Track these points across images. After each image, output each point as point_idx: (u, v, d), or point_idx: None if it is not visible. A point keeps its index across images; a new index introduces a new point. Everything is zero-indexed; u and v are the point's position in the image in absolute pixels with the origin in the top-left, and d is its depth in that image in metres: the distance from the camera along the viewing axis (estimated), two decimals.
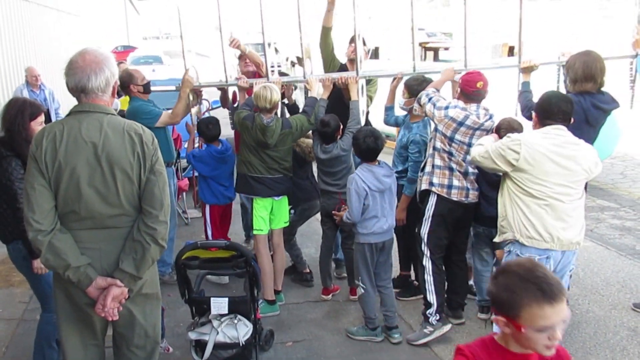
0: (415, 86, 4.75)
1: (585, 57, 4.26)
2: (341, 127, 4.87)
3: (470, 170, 4.34)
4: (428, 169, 4.42)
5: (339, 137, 4.84)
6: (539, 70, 4.63)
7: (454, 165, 4.32)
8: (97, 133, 2.59)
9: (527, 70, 4.60)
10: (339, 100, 5.12)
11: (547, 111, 3.63)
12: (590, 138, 4.21)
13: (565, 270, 3.64)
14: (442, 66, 4.94)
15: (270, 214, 4.90)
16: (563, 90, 4.48)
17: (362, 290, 4.43)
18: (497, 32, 14.32)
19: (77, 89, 2.63)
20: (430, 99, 4.35)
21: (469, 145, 4.22)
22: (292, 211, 5.29)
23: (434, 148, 4.38)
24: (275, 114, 4.75)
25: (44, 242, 2.56)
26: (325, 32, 5.40)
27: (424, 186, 4.44)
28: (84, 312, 2.74)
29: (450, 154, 4.30)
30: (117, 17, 31.39)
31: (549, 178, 3.48)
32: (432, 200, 4.39)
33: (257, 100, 4.63)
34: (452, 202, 4.35)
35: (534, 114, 3.75)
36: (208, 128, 5.33)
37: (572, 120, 3.78)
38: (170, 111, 5.22)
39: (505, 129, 4.27)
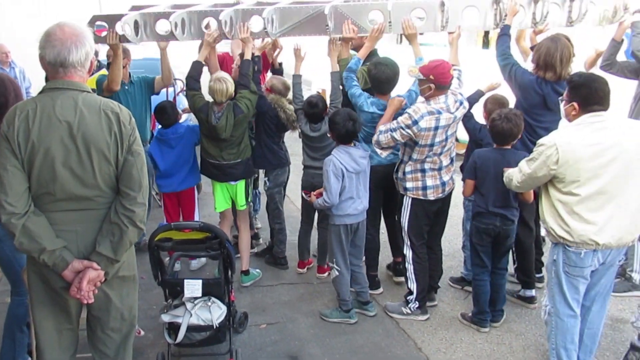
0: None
1: (549, 43, 4.24)
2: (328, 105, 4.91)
3: (445, 163, 4.32)
4: (400, 175, 4.38)
5: (325, 114, 4.87)
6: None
7: (427, 166, 4.26)
8: (72, 112, 2.51)
9: (511, 12, 4.45)
10: None
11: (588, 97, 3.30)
12: (552, 121, 4.31)
13: (614, 261, 3.47)
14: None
15: (231, 195, 5.05)
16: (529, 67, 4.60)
17: (337, 273, 4.43)
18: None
19: (57, 63, 2.52)
20: (391, 130, 4.13)
21: (447, 138, 4.21)
22: (266, 178, 5.29)
23: (410, 158, 4.26)
24: (228, 102, 4.69)
25: (18, 226, 2.48)
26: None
27: (400, 190, 4.42)
28: (59, 296, 2.69)
29: (428, 156, 4.22)
30: None
31: (596, 174, 3.21)
32: (407, 200, 4.37)
33: (214, 95, 4.62)
34: (430, 201, 4.35)
35: (575, 103, 3.33)
36: (159, 116, 5.12)
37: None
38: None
39: (492, 103, 4.53)
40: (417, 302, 4.49)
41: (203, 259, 5.37)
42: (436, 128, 4.08)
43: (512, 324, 4.44)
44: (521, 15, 4.48)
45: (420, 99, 4.27)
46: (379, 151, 4.32)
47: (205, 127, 4.76)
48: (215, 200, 5.06)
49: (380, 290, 4.96)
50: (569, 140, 3.24)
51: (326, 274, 5.16)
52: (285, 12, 4.55)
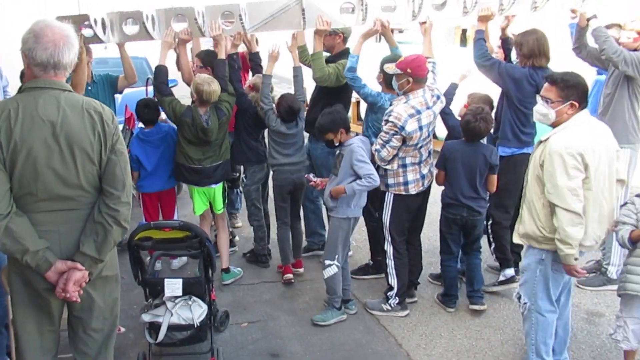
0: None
1: (535, 34, 4.54)
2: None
3: (425, 156, 4.40)
4: (381, 172, 4.38)
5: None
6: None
7: (408, 161, 4.32)
8: (55, 111, 2.49)
9: (484, 19, 4.65)
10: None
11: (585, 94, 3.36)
12: None
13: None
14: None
15: (209, 198, 5.01)
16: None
17: (336, 269, 4.38)
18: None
19: (49, 64, 2.49)
20: (386, 143, 4.18)
21: (429, 134, 4.32)
22: (244, 175, 5.26)
23: (396, 156, 4.32)
24: (212, 105, 4.68)
25: (1, 227, 2.45)
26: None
27: (382, 188, 4.44)
28: (41, 297, 2.66)
29: (412, 150, 4.30)
30: None
31: (598, 176, 3.27)
32: (389, 197, 4.43)
33: (210, 97, 4.58)
34: (411, 196, 4.41)
35: (574, 102, 3.31)
36: (144, 111, 5.03)
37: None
38: None
39: (477, 99, 4.67)
40: (397, 298, 4.53)
41: (184, 258, 5.36)
42: (420, 128, 4.17)
43: (491, 319, 4.51)
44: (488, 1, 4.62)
45: (399, 99, 4.27)
46: (388, 166, 4.32)
47: (190, 131, 4.65)
48: (195, 205, 5.01)
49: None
50: (586, 138, 3.28)
51: (302, 269, 5.24)
52: (257, 7, 4.55)
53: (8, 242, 2.47)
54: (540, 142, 3.42)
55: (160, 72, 4.74)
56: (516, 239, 3.60)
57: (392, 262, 4.51)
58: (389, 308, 4.55)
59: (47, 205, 2.55)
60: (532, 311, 3.59)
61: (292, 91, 5.10)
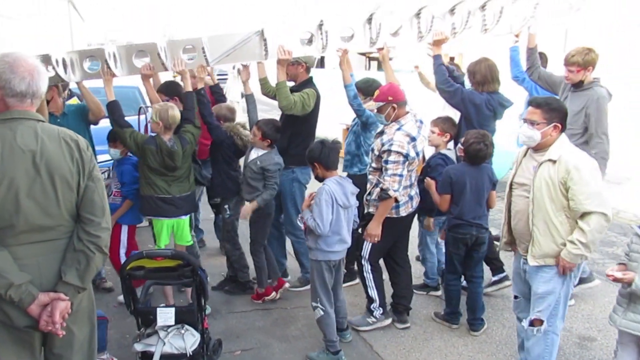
0: (366, 87, 5.05)
1: (486, 62, 4.92)
2: None
3: (414, 179, 4.49)
4: (373, 196, 4.40)
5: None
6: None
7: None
8: (34, 140, 2.48)
9: (438, 42, 4.84)
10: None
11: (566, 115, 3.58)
12: (493, 130, 5.03)
13: None
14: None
15: (176, 231, 4.89)
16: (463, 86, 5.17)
17: (321, 312, 4.19)
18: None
19: (28, 93, 2.50)
20: (398, 176, 4.21)
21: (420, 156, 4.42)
22: (227, 206, 5.18)
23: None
24: (175, 136, 4.66)
25: None
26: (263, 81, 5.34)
27: (372, 210, 4.45)
28: (22, 335, 2.60)
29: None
30: (60, 22, 30.54)
31: None
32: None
33: (175, 120, 4.57)
34: (402, 217, 4.45)
35: (557, 124, 3.49)
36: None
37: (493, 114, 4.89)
38: None
39: (441, 121, 4.93)
40: (380, 309, 4.61)
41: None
42: (417, 154, 4.29)
43: (484, 345, 4.51)
44: (440, 26, 4.78)
45: (391, 126, 4.32)
46: (403, 195, 4.35)
47: (155, 159, 4.56)
48: (161, 238, 4.80)
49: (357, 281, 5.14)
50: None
51: (287, 284, 5.33)
52: (218, 40, 4.63)
53: None
54: (542, 163, 3.48)
55: (115, 107, 4.67)
56: (532, 262, 3.59)
57: (370, 276, 4.57)
58: (375, 320, 4.61)
59: (27, 237, 2.51)
60: (548, 333, 3.61)
61: (265, 114, 5.22)
